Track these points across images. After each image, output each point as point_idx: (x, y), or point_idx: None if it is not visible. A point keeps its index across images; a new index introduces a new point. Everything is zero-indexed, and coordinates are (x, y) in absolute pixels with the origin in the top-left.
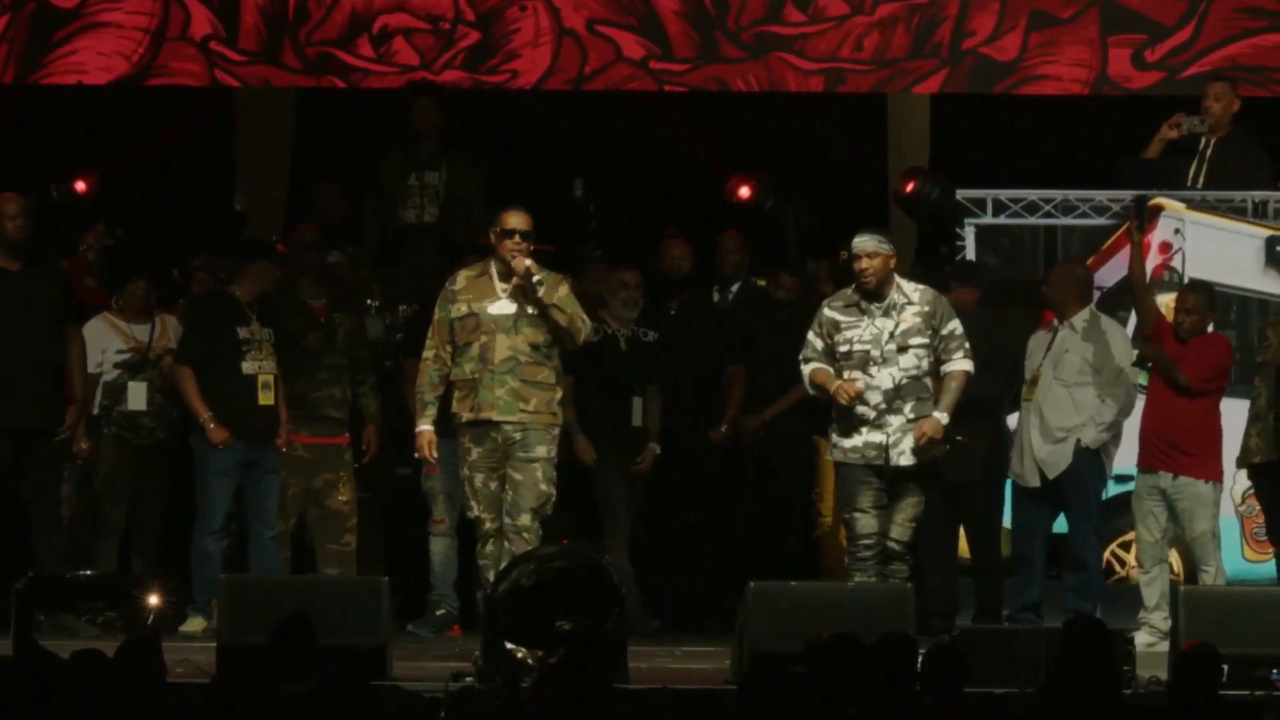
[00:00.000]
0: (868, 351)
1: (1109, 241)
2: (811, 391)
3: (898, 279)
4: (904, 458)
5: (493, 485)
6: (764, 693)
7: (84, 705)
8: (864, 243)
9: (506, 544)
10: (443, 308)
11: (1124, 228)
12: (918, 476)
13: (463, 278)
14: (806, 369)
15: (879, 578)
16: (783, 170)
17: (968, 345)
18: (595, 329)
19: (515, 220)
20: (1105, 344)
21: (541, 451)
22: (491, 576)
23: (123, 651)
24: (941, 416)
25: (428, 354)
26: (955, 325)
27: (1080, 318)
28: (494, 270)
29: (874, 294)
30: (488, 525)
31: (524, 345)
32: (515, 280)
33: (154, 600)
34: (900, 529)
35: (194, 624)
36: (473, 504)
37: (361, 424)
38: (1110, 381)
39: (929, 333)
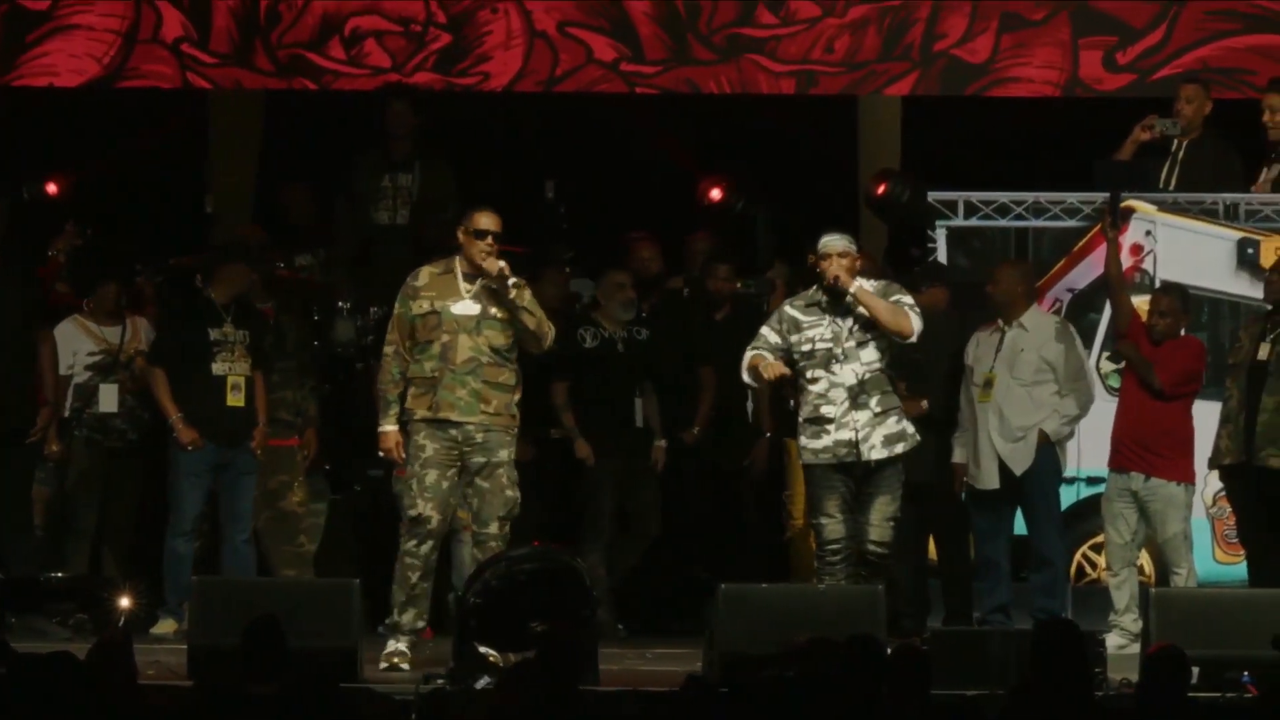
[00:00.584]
0: (830, 349)
1: (1080, 243)
2: (746, 379)
3: (864, 279)
4: (875, 451)
5: (444, 485)
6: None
7: (55, 707)
8: (834, 242)
9: (475, 551)
10: (403, 303)
11: (1098, 227)
12: (889, 473)
13: (425, 274)
14: (746, 355)
15: (856, 580)
16: (754, 172)
17: (918, 311)
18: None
19: (487, 221)
20: (1061, 341)
21: (504, 455)
22: (416, 577)
23: (94, 653)
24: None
25: (388, 350)
26: (905, 296)
27: (1029, 317)
28: (459, 269)
29: (836, 293)
30: (433, 524)
31: (486, 347)
32: (481, 281)
33: (125, 602)
34: (879, 530)
35: (165, 626)
36: (419, 501)
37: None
38: (1072, 378)
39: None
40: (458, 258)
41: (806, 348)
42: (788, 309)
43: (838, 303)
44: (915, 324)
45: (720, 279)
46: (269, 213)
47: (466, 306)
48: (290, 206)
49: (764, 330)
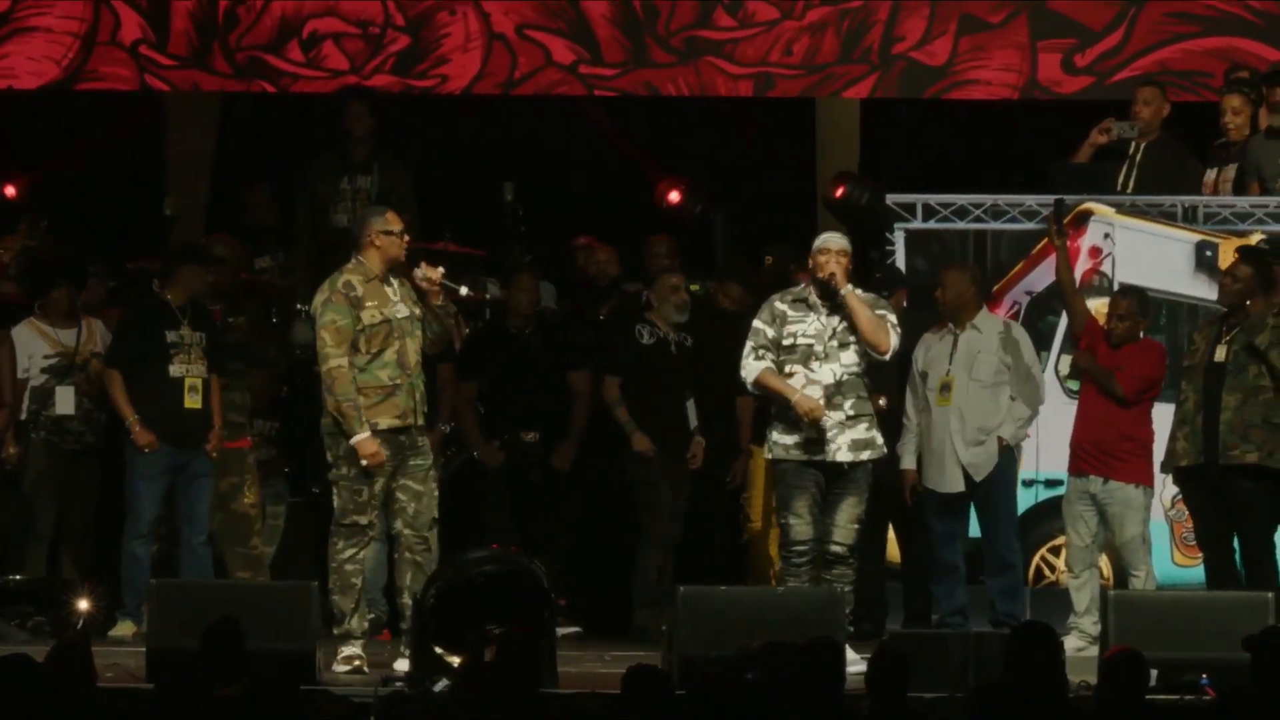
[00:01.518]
0: (811, 346)
1: (1038, 246)
2: (753, 391)
3: (849, 284)
4: (840, 453)
5: (383, 491)
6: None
7: (13, 710)
8: (834, 239)
9: (409, 555)
10: (345, 314)
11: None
12: (858, 475)
13: (358, 283)
14: (757, 365)
15: (819, 582)
16: (712, 175)
17: (898, 331)
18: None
19: (398, 221)
20: (1013, 342)
21: (432, 458)
22: (360, 582)
23: (53, 656)
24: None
25: (342, 361)
26: (890, 314)
27: (981, 319)
28: (381, 274)
29: (829, 290)
30: (375, 531)
31: (418, 348)
32: (398, 282)
33: (83, 604)
34: (843, 531)
35: (123, 628)
36: (368, 510)
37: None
38: (1023, 379)
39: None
40: (367, 262)
41: (789, 342)
42: (776, 303)
43: (826, 301)
44: (893, 342)
45: (732, 297)
46: (227, 215)
47: (403, 310)
48: (250, 208)
49: (758, 325)
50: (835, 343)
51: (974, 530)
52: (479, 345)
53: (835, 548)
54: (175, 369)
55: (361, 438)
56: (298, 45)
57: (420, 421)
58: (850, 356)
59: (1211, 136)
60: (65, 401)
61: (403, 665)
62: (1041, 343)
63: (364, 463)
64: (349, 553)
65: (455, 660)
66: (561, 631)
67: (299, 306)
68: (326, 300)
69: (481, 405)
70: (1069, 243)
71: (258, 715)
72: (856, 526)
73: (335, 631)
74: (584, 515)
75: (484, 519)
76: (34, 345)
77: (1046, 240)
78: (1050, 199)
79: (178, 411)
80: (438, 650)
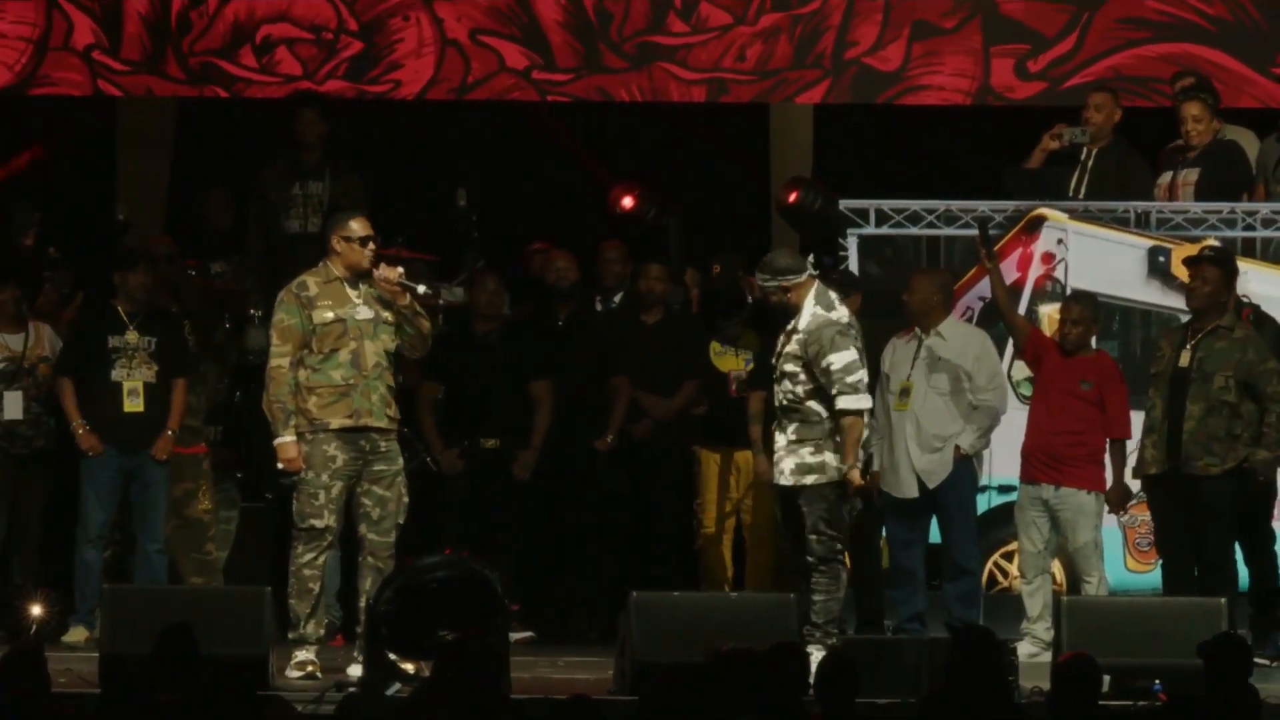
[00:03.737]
0: (771, 364)
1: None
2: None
3: (814, 305)
4: (782, 477)
5: (342, 496)
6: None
7: None
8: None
9: (371, 560)
10: (295, 313)
11: (1007, 237)
12: (805, 495)
13: (313, 284)
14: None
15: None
16: (666, 181)
17: (852, 379)
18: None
19: (364, 226)
20: (977, 350)
21: (401, 463)
22: (318, 587)
23: (6, 661)
24: (846, 469)
25: (282, 361)
26: (834, 359)
27: (947, 326)
28: (342, 276)
29: (786, 314)
30: (333, 535)
31: (383, 351)
32: (365, 286)
33: (36, 610)
34: (809, 545)
35: (76, 634)
36: (325, 513)
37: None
38: (985, 386)
39: (802, 363)
40: (330, 265)
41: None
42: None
43: (782, 322)
44: (845, 403)
45: (652, 279)
46: (185, 220)
47: (364, 312)
48: (208, 213)
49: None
50: (779, 369)
51: (934, 536)
52: (441, 349)
53: (808, 560)
54: (116, 373)
55: (283, 440)
56: (251, 50)
57: (381, 423)
58: (785, 385)
59: (1163, 141)
60: (14, 406)
61: (356, 671)
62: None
63: (280, 465)
64: (308, 557)
65: (408, 666)
66: (515, 637)
67: (251, 311)
68: (279, 300)
69: (440, 409)
70: (1024, 249)
71: None
72: (815, 537)
73: (290, 636)
74: (538, 520)
75: (439, 524)
76: None
77: (1000, 245)
78: (1004, 205)
79: (117, 416)
80: (390, 655)
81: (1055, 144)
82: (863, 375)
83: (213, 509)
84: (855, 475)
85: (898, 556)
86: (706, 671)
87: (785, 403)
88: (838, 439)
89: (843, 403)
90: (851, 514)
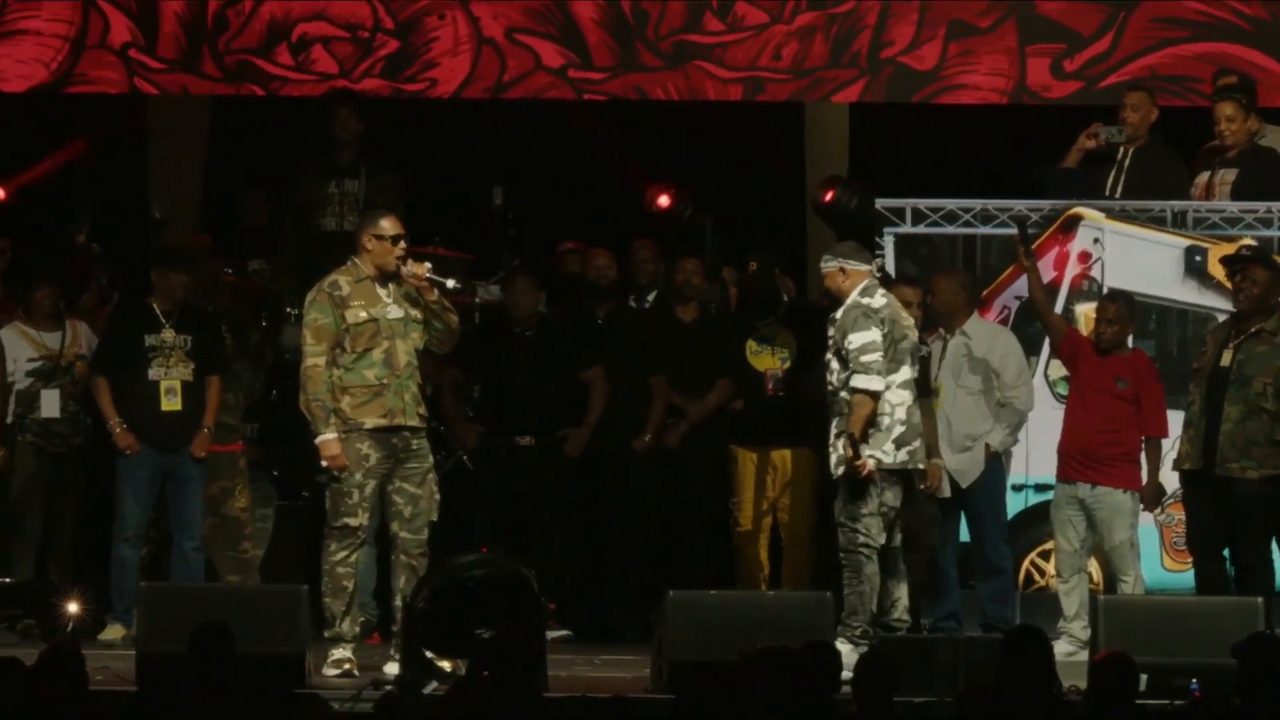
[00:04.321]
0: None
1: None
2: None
3: (855, 295)
4: (832, 467)
5: (375, 494)
6: (692, 700)
7: (4, 713)
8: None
9: (404, 558)
10: (328, 313)
11: (1045, 235)
12: (840, 485)
13: (344, 283)
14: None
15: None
16: (702, 179)
17: (866, 359)
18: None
19: (395, 225)
20: (1003, 347)
21: (431, 459)
22: (352, 585)
23: (43, 659)
24: (846, 450)
25: (318, 360)
26: (854, 338)
27: (972, 325)
28: (372, 275)
29: (834, 302)
30: (365, 533)
31: (413, 349)
32: (394, 285)
33: (73, 607)
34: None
35: (113, 631)
36: (359, 512)
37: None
38: (1013, 383)
39: (834, 350)
40: (360, 264)
41: None
42: None
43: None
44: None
45: (688, 272)
46: (218, 218)
47: (394, 311)
48: (245, 212)
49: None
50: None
51: (964, 535)
52: (476, 347)
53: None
54: (153, 372)
55: (325, 438)
56: (287, 49)
57: (414, 422)
58: (826, 375)
59: (1200, 141)
60: (50, 405)
61: (393, 669)
62: (1031, 348)
63: (323, 463)
64: (341, 555)
65: (445, 664)
66: (551, 635)
67: (288, 310)
68: (312, 300)
69: (475, 407)
70: (1060, 248)
71: (247, 719)
72: (841, 529)
73: (325, 635)
74: (577, 518)
75: (474, 522)
76: (18, 348)
77: (1037, 244)
78: (1040, 204)
79: (154, 415)
80: (427, 654)
81: (1092, 143)
82: (877, 357)
83: (249, 507)
84: (867, 462)
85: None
86: (740, 671)
87: (829, 393)
88: (869, 430)
89: (857, 381)
90: (884, 508)
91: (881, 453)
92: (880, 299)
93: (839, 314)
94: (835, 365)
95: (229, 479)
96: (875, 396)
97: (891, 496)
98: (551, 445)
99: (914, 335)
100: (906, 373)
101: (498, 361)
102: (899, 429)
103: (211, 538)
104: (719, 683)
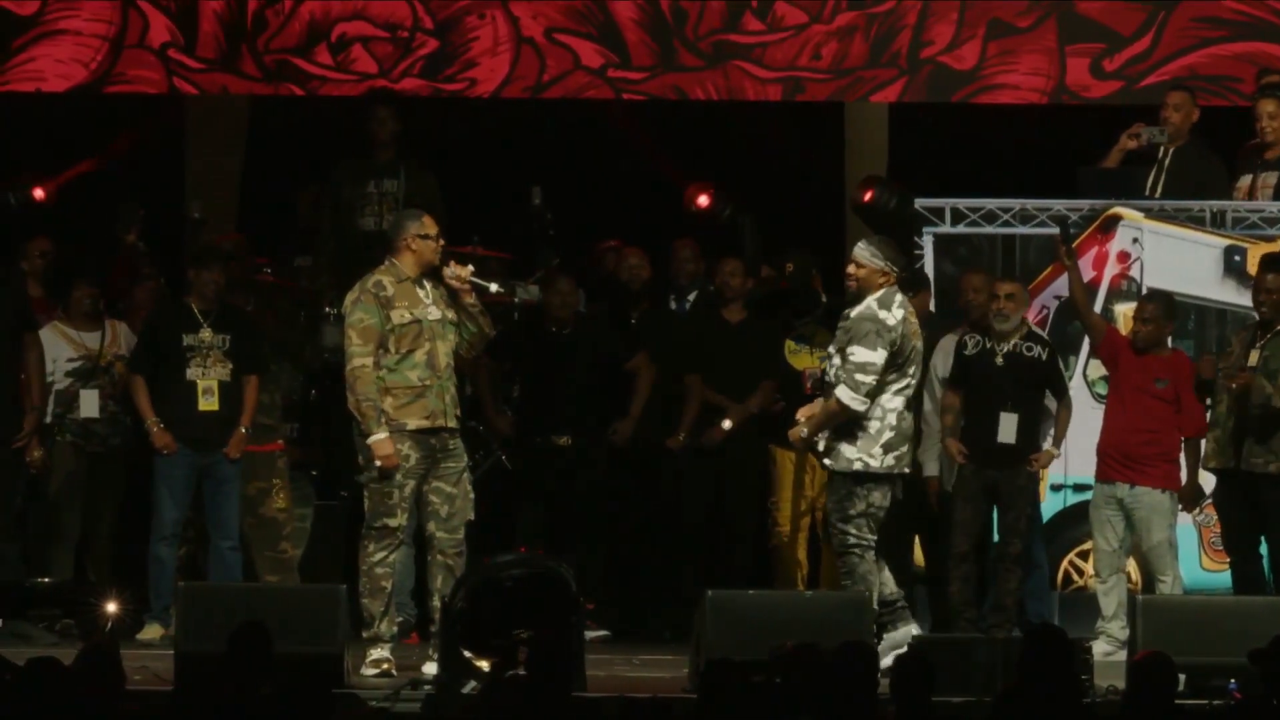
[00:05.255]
0: None
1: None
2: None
3: (873, 299)
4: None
5: (413, 493)
6: (722, 700)
7: (43, 713)
8: (854, 250)
9: (441, 558)
10: (375, 313)
11: (1084, 235)
12: (830, 487)
13: (389, 284)
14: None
15: None
16: (741, 179)
17: (863, 378)
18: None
19: (433, 225)
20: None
21: (465, 459)
22: (390, 586)
23: (81, 659)
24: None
25: (366, 360)
26: (857, 352)
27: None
28: (412, 276)
29: (855, 298)
30: (404, 534)
31: (451, 351)
32: (432, 286)
33: (111, 607)
34: None
35: (151, 631)
36: (398, 512)
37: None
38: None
39: (837, 349)
40: (399, 264)
41: None
42: None
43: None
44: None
45: (728, 274)
46: (257, 217)
47: (435, 312)
48: (298, 211)
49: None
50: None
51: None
52: (514, 347)
53: None
54: (191, 372)
55: (378, 438)
56: (326, 48)
57: (452, 424)
58: (826, 367)
59: (1240, 141)
60: (89, 404)
61: (431, 669)
62: (1070, 347)
63: (378, 463)
64: (379, 555)
65: (483, 664)
66: (589, 635)
67: (326, 309)
68: (356, 300)
69: (514, 407)
70: (1099, 248)
71: (285, 719)
72: (832, 523)
73: (364, 635)
74: (615, 518)
75: (513, 522)
76: (58, 348)
77: (1076, 244)
78: (1080, 204)
79: (192, 414)
80: (466, 653)
81: (1133, 143)
82: (871, 380)
83: (288, 507)
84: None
85: None
86: (771, 669)
87: (825, 384)
88: (856, 430)
89: (840, 392)
90: (873, 508)
91: (869, 456)
92: (897, 312)
93: (853, 315)
94: (836, 361)
95: (267, 479)
96: (845, 413)
97: (879, 497)
98: (590, 445)
99: (919, 343)
100: (908, 380)
101: (536, 361)
102: (888, 434)
103: (250, 537)
104: (746, 681)
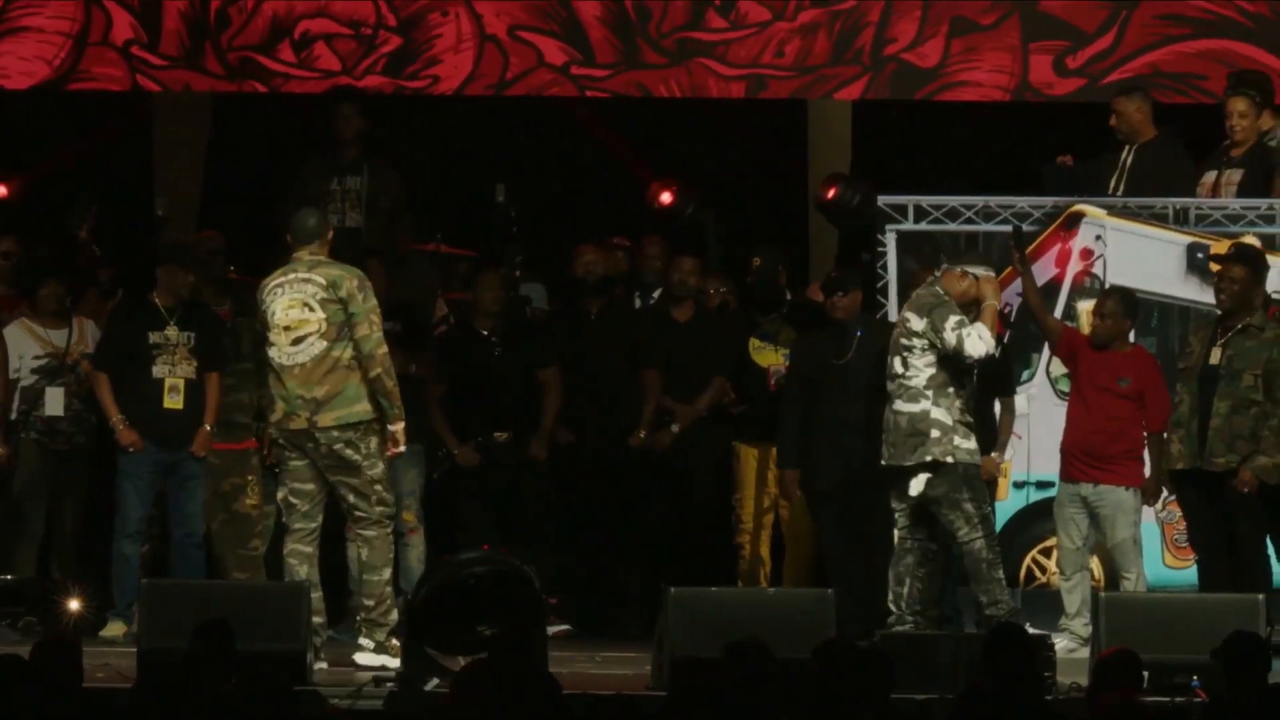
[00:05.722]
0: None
1: (1030, 248)
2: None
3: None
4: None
5: None
6: (690, 697)
7: (3, 708)
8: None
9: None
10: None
11: (1046, 233)
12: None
13: None
14: None
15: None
16: (704, 177)
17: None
18: None
19: None
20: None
21: None
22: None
23: (37, 653)
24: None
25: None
26: (946, 320)
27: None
28: None
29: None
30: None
31: None
32: None
33: (74, 605)
34: None
35: (114, 628)
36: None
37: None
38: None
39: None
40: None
41: None
42: None
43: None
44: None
45: (685, 272)
46: (219, 215)
47: None
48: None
49: None
50: None
51: None
52: (447, 348)
53: None
54: (157, 370)
55: (403, 424)
56: (289, 46)
57: None
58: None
59: (1204, 138)
60: (55, 402)
61: (363, 658)
62: (1033, 345)
63: (401, 449)
64: (389, 543)
65: (446, 661)
66: (552, 631)
67: None
68: (367, 285)
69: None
70: (1062, 245)
71: (247, 716)
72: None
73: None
74: (575, 514)
75: (459, 520)
76: (24, 345)
77: (1037, 243)
78: (1042, 201)
79: (158, 412)
80: (429, 651)
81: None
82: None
83: (259, 504)
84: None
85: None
86: (724, 665)
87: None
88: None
89: (973, 348)
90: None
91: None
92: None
93: (914, 309)
94: (899, 369)
95: (241, 476)
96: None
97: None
98: (530, 439)
99: None
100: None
101: (466, 361)
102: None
103: (222, 535)
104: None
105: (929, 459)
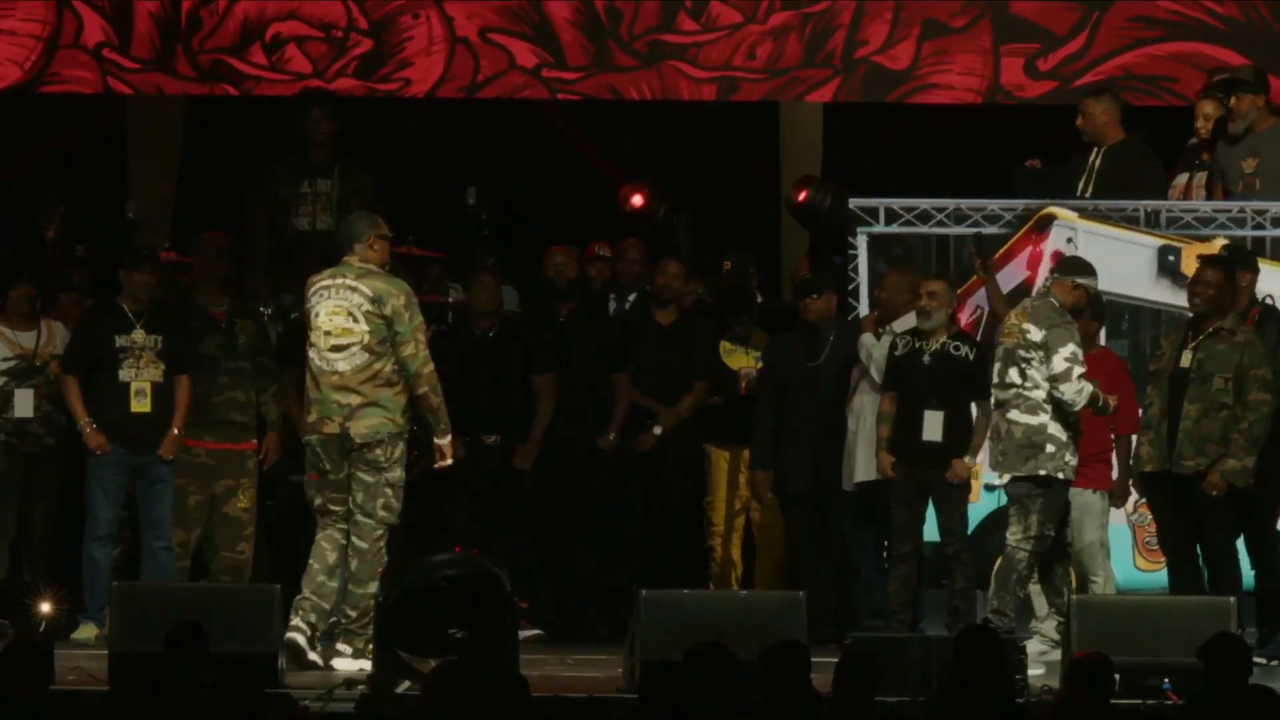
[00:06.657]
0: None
1: (1000, 251)
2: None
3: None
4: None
5: None
6: (659, 700)
7: None
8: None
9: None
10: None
11: (1016, 236)
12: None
13: None
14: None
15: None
16: (675, 179)
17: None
18: None
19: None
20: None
21: None
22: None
23: (5, 656)
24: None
25: (433, 364)
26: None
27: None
28: None
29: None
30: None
31: None
32: None
33: (46, 607)
34: None
35: (86, 631)
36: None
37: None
38: None
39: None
40: (370, 265)
41: None
42: None
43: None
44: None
45: (670, 275)
46: (191, 218)
47: None
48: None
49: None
50: None
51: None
52: (441, 348)
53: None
54: (124, 373)
55: (450, 438)
56: (260, 48)
57: None
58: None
59: (1176, 140)
60: (24, 404)
61: (343, 664)
62: None
63: (449, 463)
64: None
65: (417, 663)
66: (523, 634)
67: (261, 309)
68: (414, 301)
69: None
70: (1034, 248)
71: (220, 718)
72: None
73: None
74: (547, 517)
75: (447, 522)
76: None
77: (1008, 246)
78: (1013, 203)
79: (125, 416)
80: (400, 653)
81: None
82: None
83: (250, 507)
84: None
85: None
86: (687, 668)
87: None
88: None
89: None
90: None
91: None
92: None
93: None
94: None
95: (236, 477)
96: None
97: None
98: (518, 443)
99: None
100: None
101: (461, 360)
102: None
103: (209, 536)
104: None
105: (1042, 473)
